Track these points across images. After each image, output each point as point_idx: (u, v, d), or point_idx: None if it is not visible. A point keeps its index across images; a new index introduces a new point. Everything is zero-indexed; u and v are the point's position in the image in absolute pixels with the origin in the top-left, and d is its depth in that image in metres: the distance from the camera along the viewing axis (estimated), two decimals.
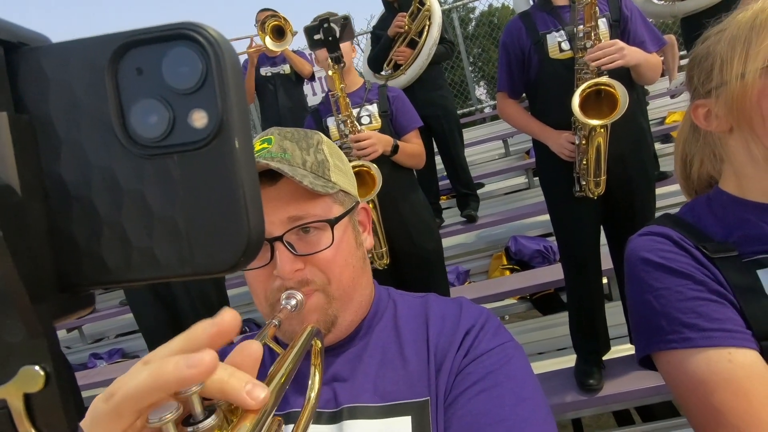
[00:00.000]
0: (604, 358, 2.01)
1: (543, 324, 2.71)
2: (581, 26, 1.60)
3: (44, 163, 0.19)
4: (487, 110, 6.31)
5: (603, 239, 1.91)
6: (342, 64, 1.74)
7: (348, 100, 1.79)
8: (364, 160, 1.75)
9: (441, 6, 3.19)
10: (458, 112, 4.55)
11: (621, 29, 1.72)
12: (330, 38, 1.65)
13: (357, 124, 1.83)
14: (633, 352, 2.06)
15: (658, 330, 0.63)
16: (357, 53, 2.17)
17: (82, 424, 0.28)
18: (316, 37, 1.66)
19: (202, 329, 0.29)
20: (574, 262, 1.93)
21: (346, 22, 1.67)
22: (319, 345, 0.53)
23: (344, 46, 1.80)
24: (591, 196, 1.73)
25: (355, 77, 2.01)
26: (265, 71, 3.38)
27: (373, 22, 3.51)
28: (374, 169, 1.72)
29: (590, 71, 1.60)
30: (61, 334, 4.08)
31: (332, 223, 0.60)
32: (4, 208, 0.17)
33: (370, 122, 1.92)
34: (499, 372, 0.56)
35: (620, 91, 1.50)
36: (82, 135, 0.19)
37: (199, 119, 0.19)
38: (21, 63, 0.19)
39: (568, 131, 1.74)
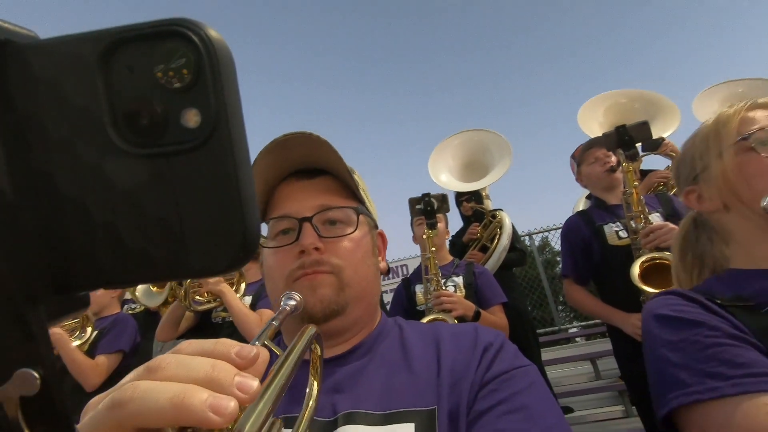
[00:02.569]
0: None
1: None
2: (631, 213, 1.74)
3: (35, 164, 0.19)
4: (579, 341, 5.93)
5: None
6: (435, 230, 2.04)
7: (437, 261, 2.01)
8: (445, 315, 1.81)
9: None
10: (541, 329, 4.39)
11: (676, 223, 1.81)
12: (428, 208, 2.02)
13: (443, 286, 1.98)
14: None
15: (679, 384, 0.57)
16: (450, 235, 2.48)
17: (80, 425, 0.28)
18: (418, 206, 2.04)
19: (227, 370, 0.28)
20: None
21: (443, 199, 2.06)
22: (319, 352, 0.54)
23: (441, 225, 2.14)
24: None
25: (446, 254, 2.26)
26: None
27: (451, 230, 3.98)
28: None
29: (647, 251, 1.64)
30: None
31: (359, 210, 0.67)
32: None
33: (455, 291, 2.05)
34: (526, 394, 0.56)
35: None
36: (73, 134, 0.19)
37: (192, 118, 0.19)
38: (8, 61, 0.18)
39: (639, 313, 1.67)
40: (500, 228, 3.39)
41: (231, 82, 0.19)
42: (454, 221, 3.99)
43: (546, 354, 3.73)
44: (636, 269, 1.57)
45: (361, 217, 0.69)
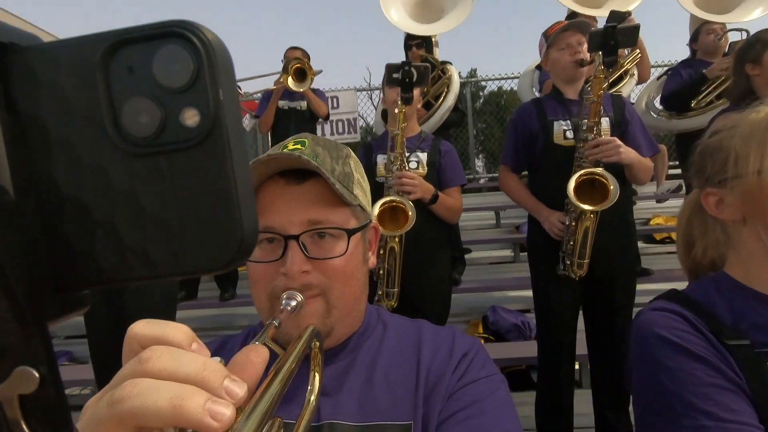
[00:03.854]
0: None
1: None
2: (586, 120, 1.74)
3: (36, 164, 0.19)
4: (482, 181, 6.58)
5: (581, 324, 1.94)
6: (410, 105, 1.85)
7: (405, 140, 1.88)
8: (403, 197, 1.80)
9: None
10: None
11: (621, 131, 1.86)
12: (407, 80, 1.77)
13: (406, 163, 1.91)
14: None
15: (670, 412, 0.62)
16: (421, 103, 2.22)
17: (80, 423, 0.28)
18: (395, 75, 1.78)
19: (217, 372, 0.28)
20: (549, 341, 1.95)
21: (425, 71, 1.81)
22: (318, 345, 0.53)
23: (415, 92, 1.92)
24: (573, 276, 1.79)
25: (415, 125, 2.11)
26: (282, 104, 3.51)
27: None
28: (410, 208, 1.75)
29: (588, 161, 1.72)
30: None
31: (350, 233, 0.62)
32: None
33: (417, 168, 1.99)
34: (486, 401, 0.59)
35: (612, 184, 1.61)
36: (73, 134, 0.19)
37: (191, 118, 0.19)
38: (12, 63, 0.19)
39: (561, 212, 1.84)
40: (448, 86, 3.23)
41: (228, 82, 0.19)
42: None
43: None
44: (572, 184, 1.65)
45: (354, 233, 0.63)
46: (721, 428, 0.57)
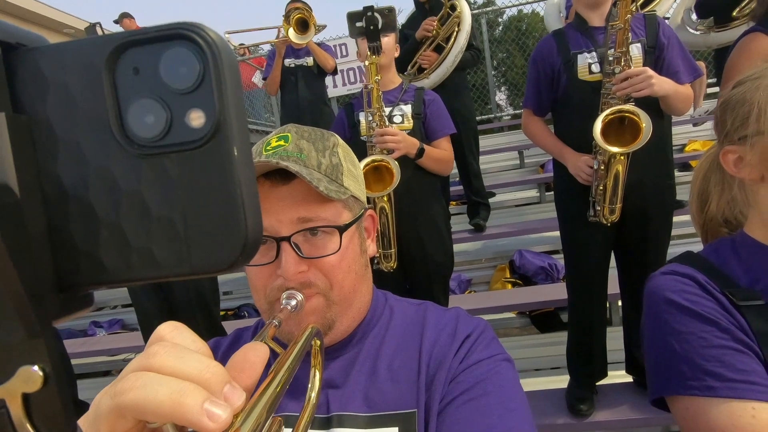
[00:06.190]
0: (599, 383, 2.01)
1: (540, 341, 2.71)
2: (612, 50, 1.59)
3: (42, 164, 0.19)
4: (505, 118, 6.30)
5: (611, 261, 1.89)
6: (380, 55, 1.73)
7: (380, 92, 1.77)
8: (386, 156, 1.74)
9: (471, 9, 3.17)
10: (477, 118, 4.55)
11: (656, 56, 1.68)
12: (371, 27, 1.63)
13: (386, 119, 1.82)
14: (628, 379, 2.06)
15: (678, 374, 0.62)
16: (399, 51, 2.09)
17: (86, 417, 0.29)
18: (358, 24, 1.65)
19: (219, 375, 0.28)
20: (579, 284, 1.92)
21: (390, 14, 1.66)
22: (319, 344, 0.53)
23: (388, 41, 1.79)
24: (605, 222, 1.71)
25: (394, 76, 1.99)
26: (288, 62, 3.41)
27: (401, 19, 3.49)
28: (393, 165, 1.70)
29: (617, 97, 1.59)
30: None
31: (342, 229, 0.60)
32: (3, 208, 0.17)
33: (402, 122, 1.91)
34: (488, 381, 0.58)
35: (644, 120, 1.48)
36: (79, 135, 0.19)
37: (197, 119, 0.19)
38: (19, 64, 0.19)
39: (588, 155, 1.73)
40: (459, 24, 3.00)
41: (234, 83, 0.19)
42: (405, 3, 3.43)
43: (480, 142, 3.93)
44: (598, 125, 1.54)
45: (346, 229, 0.61)
46: (727, 388, 0.58)
